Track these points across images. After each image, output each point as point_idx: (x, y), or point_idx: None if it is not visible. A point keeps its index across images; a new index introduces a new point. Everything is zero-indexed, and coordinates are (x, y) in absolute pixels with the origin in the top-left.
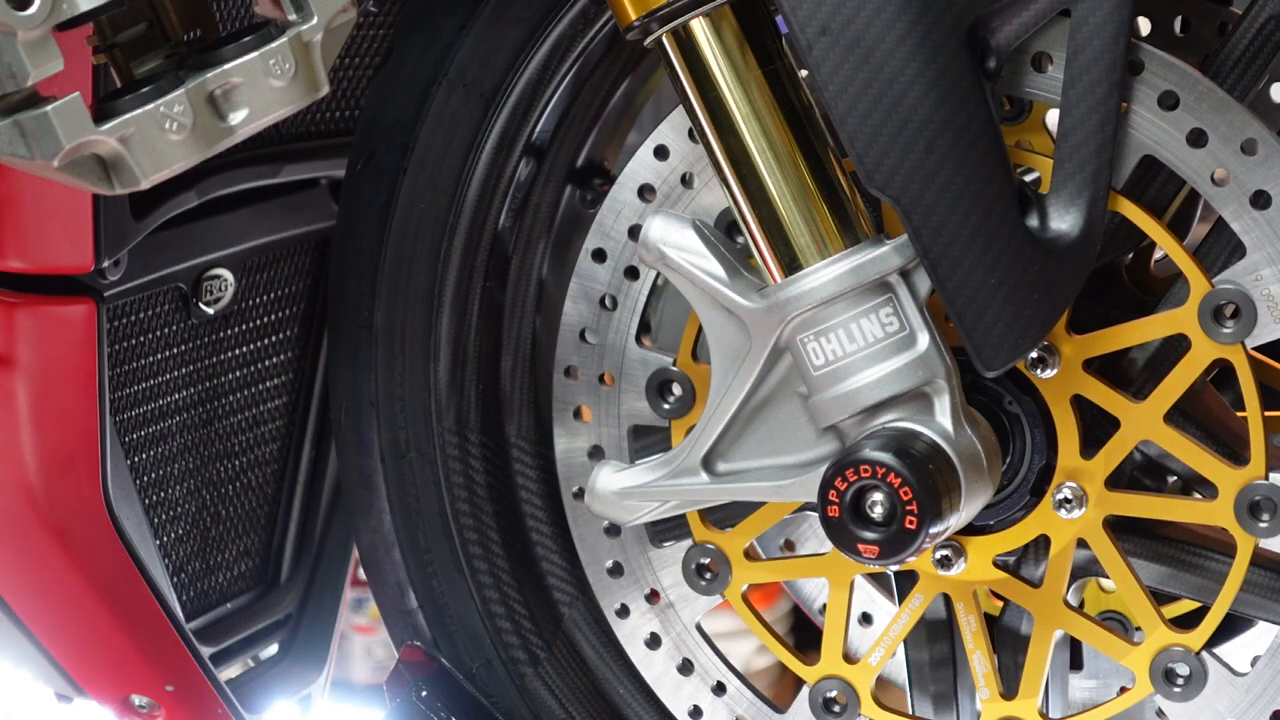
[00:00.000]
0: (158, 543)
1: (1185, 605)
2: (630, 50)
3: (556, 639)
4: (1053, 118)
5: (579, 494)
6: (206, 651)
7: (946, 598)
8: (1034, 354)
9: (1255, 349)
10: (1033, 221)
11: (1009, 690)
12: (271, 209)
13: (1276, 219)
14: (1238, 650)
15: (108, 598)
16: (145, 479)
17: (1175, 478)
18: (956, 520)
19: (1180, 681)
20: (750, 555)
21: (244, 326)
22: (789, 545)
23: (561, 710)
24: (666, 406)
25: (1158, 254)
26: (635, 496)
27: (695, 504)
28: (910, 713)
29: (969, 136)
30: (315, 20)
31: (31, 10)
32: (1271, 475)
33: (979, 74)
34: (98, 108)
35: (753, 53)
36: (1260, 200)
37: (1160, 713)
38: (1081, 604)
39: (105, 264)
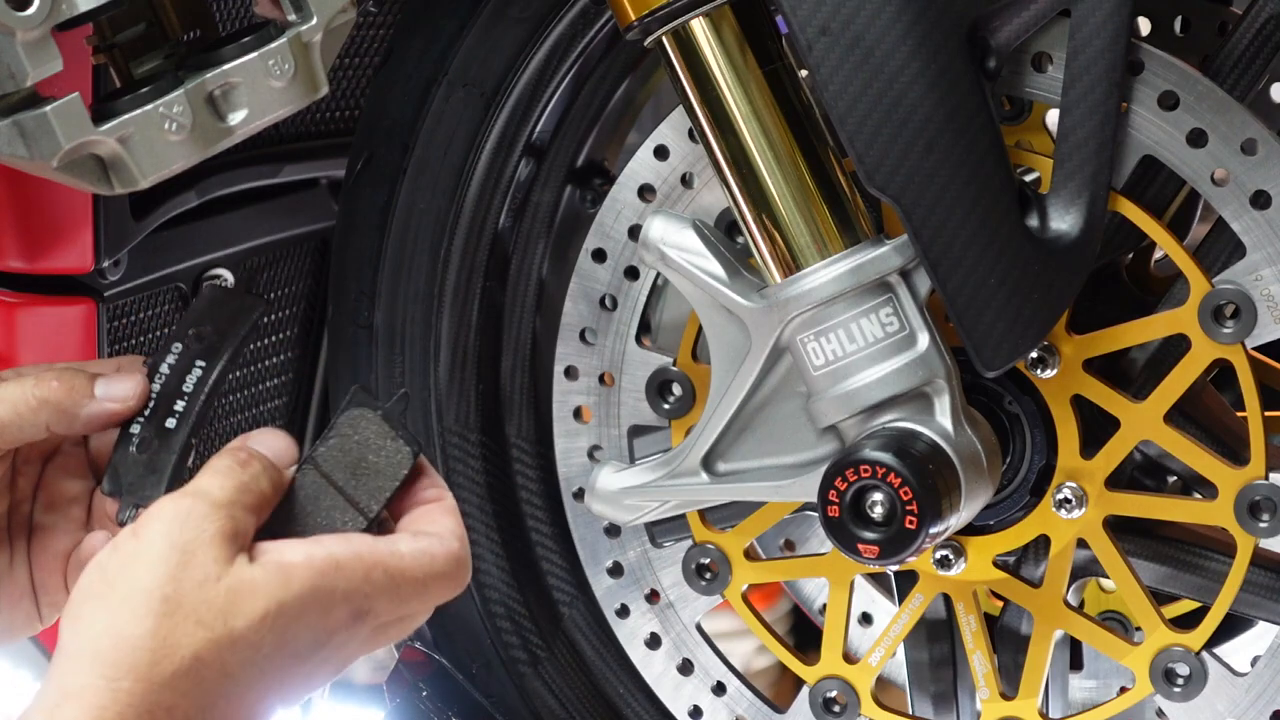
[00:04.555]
0: None
1: (1185, 605)
2: (630, 50)
3: (556, 639)
4: (1053, 118)
5: (579, 494)
6: None
7: (946, 598)
8: (1034, 354)
9: (1255, 349)
10: (1033, 221)
11: (1009, 690)
12: (271, 209)
13: (1276, 219)
14: (1238, 650)
15: None
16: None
17: (1175, 478)
18: (956, 520)
19: (1180, 681)
20: (750, 555)
21: None
22: (789, 545)
23: (561, 710)
24: (666, 406)
25: (1158, 254)
26: (635, 496)
27: (695, 504)
28: (910, 713)
29: (969, 136)
30: (315, 20)
31: (31, 10)
32: (1271, 475)
33: (979, 74)
34: (97, 108)
35: (753, 53)
36: (1260, 200)
37: (1160, 713)
38: (1081, 604)
39: (105, 264)
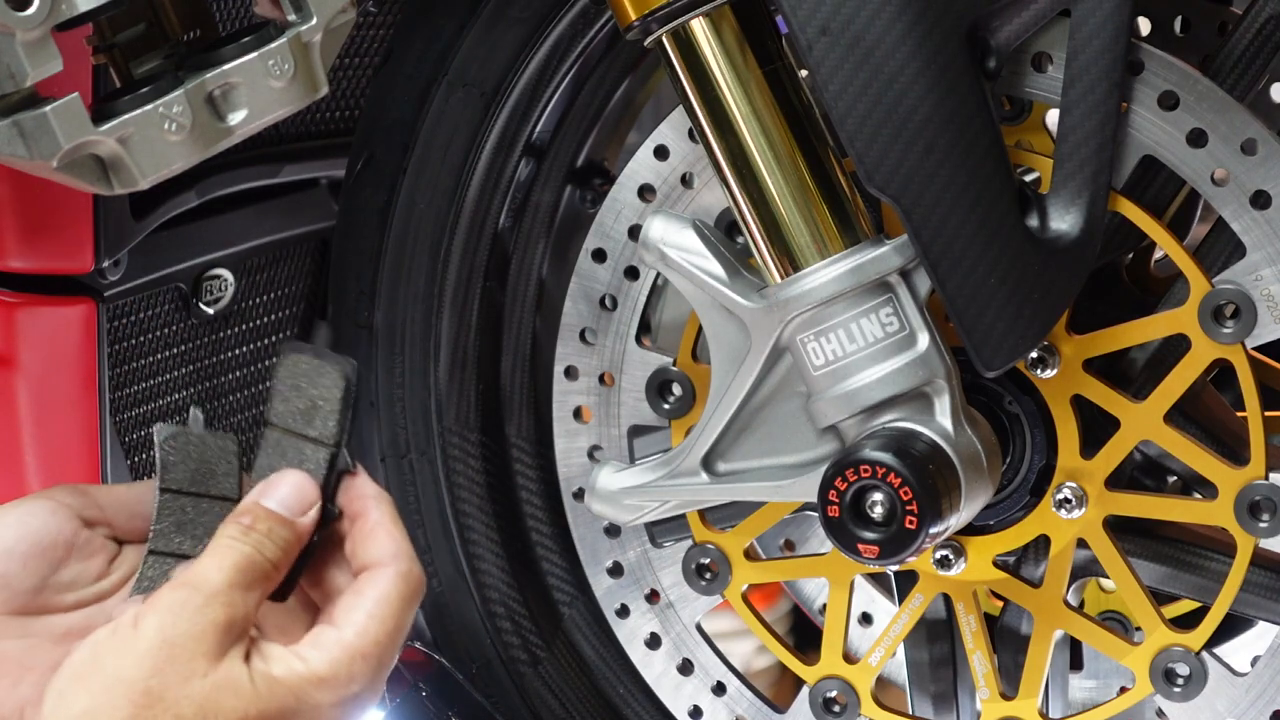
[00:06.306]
0: None
1: (1185, 605)
2: (630, 50)
3: (556, 639)
4: (1053, 118)
5: (579, 494)
6: None
7: (946, 598)
8: (1034, 354)
9: (1255, 349)
10: (1033, 221)
11: (1009, 690)
12: (271, 209)
13: (1276, 219)
14: (1238, 650)
15: None
16: (145, 480)
17: (1175, 478)
18: (956, 520)
19: (1180, 681)
20: (750, 555)
21: (244, 326)
22: (789, 545)
23: (561, 710)
24: (666, 406)
25: (1158, 254)
26: (635, 496)
27: (695, 504)
28: (910, 713)
29: (969, 137)
30: (315, 20)
31: (31, 10)
32: (1271, 475)
33: (979, 74)
34: (97, 108)
35: (753, 53)
36: (1260, 200)
37: (1160, 713)
38: (1081, 604)
39: (105, 264)
